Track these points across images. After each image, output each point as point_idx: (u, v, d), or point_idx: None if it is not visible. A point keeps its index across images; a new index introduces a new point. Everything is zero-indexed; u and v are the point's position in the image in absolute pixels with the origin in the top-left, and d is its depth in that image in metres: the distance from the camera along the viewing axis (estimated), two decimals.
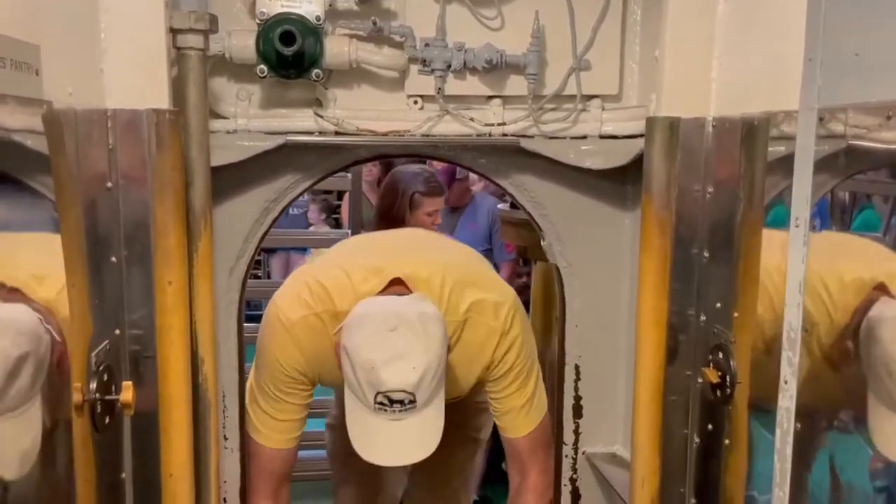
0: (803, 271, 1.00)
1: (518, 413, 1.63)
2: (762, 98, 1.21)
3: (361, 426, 1.39)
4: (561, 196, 1.60)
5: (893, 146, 1.50)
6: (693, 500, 1.35)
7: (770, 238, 1.26)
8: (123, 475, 1.21)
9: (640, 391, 1.40)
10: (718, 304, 1.28)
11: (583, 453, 1.69)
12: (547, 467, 1.69)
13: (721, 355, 1.25)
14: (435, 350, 1.38)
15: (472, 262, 1.76)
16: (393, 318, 1.39)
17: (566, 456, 1.72)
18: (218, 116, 1.44)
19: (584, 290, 1.65)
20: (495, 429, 1.81)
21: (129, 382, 1.13)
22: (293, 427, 1.63)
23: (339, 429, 2.09)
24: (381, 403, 1.35)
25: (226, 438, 1.58)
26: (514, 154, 1.55)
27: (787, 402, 1.03)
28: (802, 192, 1.01)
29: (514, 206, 2.23)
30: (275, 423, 1.60)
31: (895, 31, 0.88)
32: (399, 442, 1.39)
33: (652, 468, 1.38)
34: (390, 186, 2.77)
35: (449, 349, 1.46)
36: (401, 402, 1.35)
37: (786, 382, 1.03)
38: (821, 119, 1.00)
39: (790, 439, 1.03)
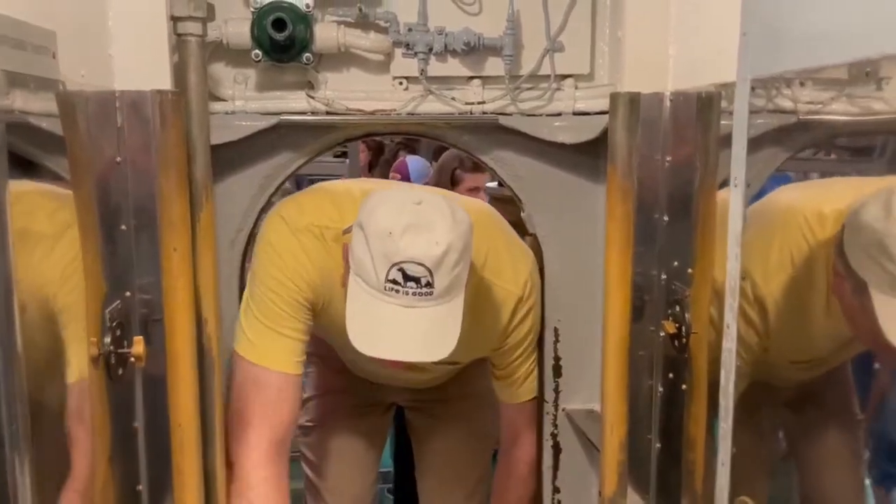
0: (740, 226, 1.12)
1: (520, 379, 1.63)
2: (714, 72, 1.32)
3: (364, 313, 1.23)
4: (538, 170, 1.71)
5: (844, 118, 1.62)
6: (658, 444, 1.47)
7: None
8: (136, 424, 1.33)
9: (608, 347, 1.51)
10: (676, 263, 1.39)
11: (563, 410, 1.79)
12: (534, 440, 1.70)
13: (678, 308, 1.37)
14: (461, 232, 1.25)
15: (495, 217, 1.70)
16: (418, 195, 1.29)
17: (547, 413, 1.83)
18: (217, 99, 1.56)
19: (561, 258, 1.76)
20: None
21: (140, 337, 1.25)
22: (299, 348, 1.43)
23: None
24: (393, 282, 1.20)
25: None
26: (493, 131, 1.66)
27: (729, 343, 1.14)
28: (739, 154, 1.12)
29: (501, 184, 2.33)
30: (281, 338, 1.40)
31: (812, 6, 0.98)
32: (407, 332, 1.22)
33: (620, 416, 1.49)
34: (436, 169, 2.90)
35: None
36: (416, 280, 1.20)
37: (728, 326, 1.15)
38: (753, 89, 1.10)
39: (732, 377, 1.14)
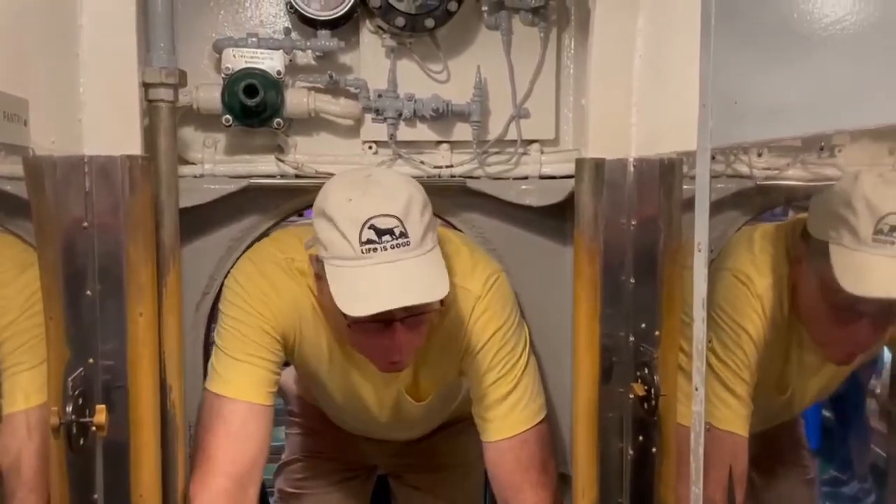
0: (705, 290, 1.14)
1: (500, 405, 1.41)
2: (675, 140, 1.36)
3: (350, 282, 1.20)
4: (506, 232, 1.73)
5: (800, 182, 1.68)
6: None
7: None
8: (96, 496, 1.29)
9: (578, 409, 1.52)
10: (644, 325, 1.41)
11: None
12: (541, 499, 1.43)
13: (647, 371, 1.38)
14: (417, 188, 1.27)
15: (456, 232, 1.66)
16: (366, 170, 1.33)
17: None
18: (186, 162, 1.56)
19: (529, 319, 1.77)
20: None
21: (103, 406, 1.22)
22: (268, 378, 1.37)
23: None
24: (368, 241, 1.18)
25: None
26: (462, 194, 1.69)
27: (698, 406, 1.15)
28: (702, 219, 1.15)
29: None
30: (247, 367, 1.35)
31: (761, 82, 1.03)
32: (397, 282, 1.18)
33: (590, 479, 1.49)
34: None
35: None
36: (390, 232, 1.19)
37: (696, 389, 1.16)
38: (714, 157, 1.15)
39: (702, 440, 1.15)
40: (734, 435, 1.47)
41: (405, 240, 1.21)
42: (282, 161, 1.59)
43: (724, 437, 1.46)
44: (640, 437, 1.43)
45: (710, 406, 1.43)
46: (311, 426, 2.01)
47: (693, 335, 1.18)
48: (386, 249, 1.20)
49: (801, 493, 2.12)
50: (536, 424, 1.47)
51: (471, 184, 1.64)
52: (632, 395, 1.44)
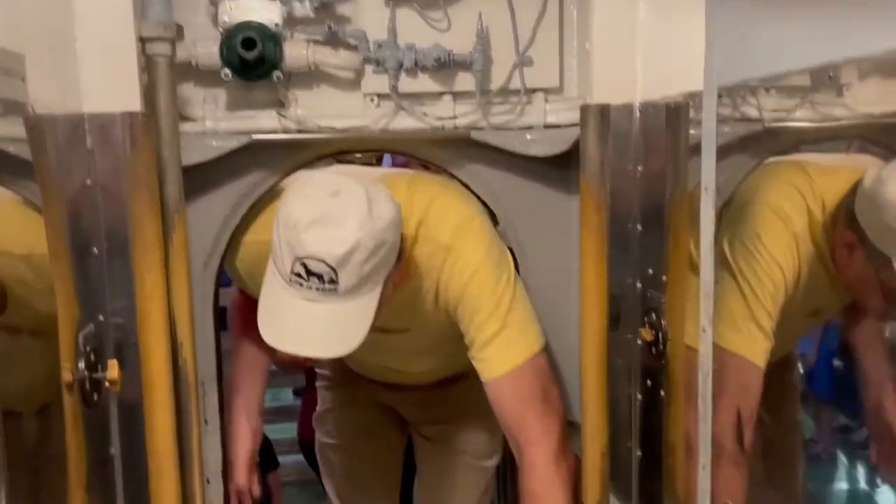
0: (711, 232, 1.13)
1: (492, 345, 1.39)
2: (681, 82, 1.34)
3: (274, 302, 1.23)
4: (512, 184, 1.72)
5: (808, 124, 1.66)
6: (638, 452, 1.48)
7: None
8: (112, 451, 1.31)
9: (586, 357, 1.52)
10: (651, 271, 1.41)
11: None
12: (546, 428, 1.42)
13: (654, 316, 1.39)
14: (375, 229, 1.21)
15: (441, 178, 1.64)
16: (338, 184, 1.26)
17: None
18: (187, 119, 1.55)
19: (537, 271, 1.76)
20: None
21: (115, 361, 1.23)
22: None
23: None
24: (297, 274, 1.19)
25: (206, 423, 1.67)
26: (466, 146, 1.67)
27: (706, 347, 1.16)
28: (708, 161, 1.13)
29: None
30: None
31: (774, 15, 1.01)
32: (308, 327, 1.21)
33: (600, 425, 1.50)
34: None
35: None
36: (319, 276, 1.18)
37: (704, 331, 1.16)
38: (720, 97, 1.13)
39: (710, 380, 1.16)
40: (750, 362, 1.44)
41: (332, 286, 1.19)
42: (283, 116, 1.58)
43: (739, 363, 1.43)
44: (649, 382, 1.43)
45: (732, 331, 1.41)
46: (337, 378, 2.08)
47: (700, 278, 1.17)
48: (310, 289, 1.19)
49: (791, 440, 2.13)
50: (532, 357, 1.45)
51: (475, 135, 1.62)
52: (640, 341, 1.44)
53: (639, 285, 1.45)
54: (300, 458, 3.33)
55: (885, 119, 1.58)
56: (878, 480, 3.48)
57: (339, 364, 2.01)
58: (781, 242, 1.46)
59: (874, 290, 1.33)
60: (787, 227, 1.47)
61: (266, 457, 3.15)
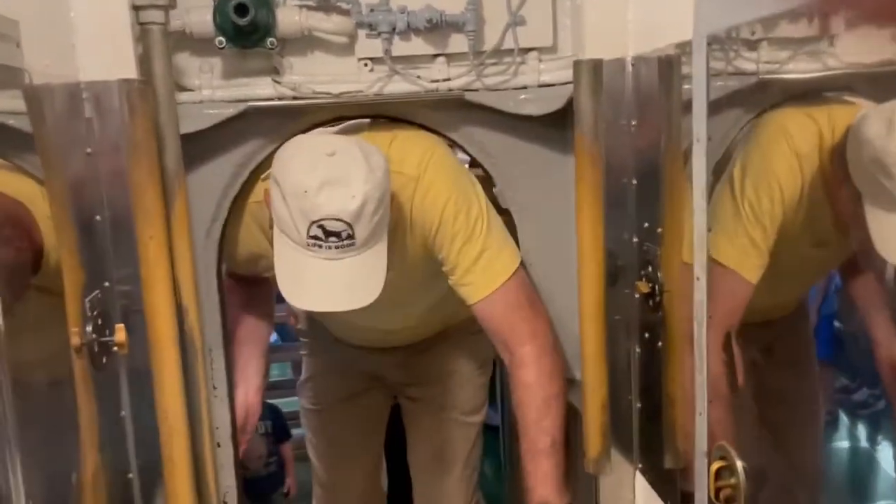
0: (704, 181, 1.15)
1: (474, 268, 1.45)
2: (673, 34, 1.34)
3: (292, 267, 1.27)
4: (507, 144, 1.73)
5: (803, 75, 1.66)
6: (638, 403, 1.51)
7: None
8: (123, 413, 1.34)
9: (585, 313, 1.54)
10: (646, 224, 1.43)
11: None
12: (535, 329, 1.49)
13: (650, 269, 1.40)
14: (377, 180, 1.27)
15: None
16: (331, 144, 1.30)
17: None
18: (184, 89, 1.56)
19: (535, 232, 1.78)
20: None
21: (121, 325, 1.26)
22: None
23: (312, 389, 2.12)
24: (314, 238, 1.23)
25: (214, 388, 1.71)
26: (460, 107, 1.68)
27: (700, 295, 1.18)
28: (700, 109, 1.14)
29: (473, 164, 2.34)
30: None
31: None
32: (333, 284, 1.26)
33: (600, 379, 1.53)
34: None
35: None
36: (337, 234, 1.24)
37: (698, 279, 1.18)
38: (709, 44, 1.13)
39: (704, 329, 1.18)
40: (741, 277, 1.44)
41: (350, 242, 1.24)
42: (278, 83, 1.59)
43: (731, 277, 1.43)
44: (646, 335, 1.46)
45: (726, 244, 1.42)
46: (320, 345, 2.09)
47: (694, 226, 1.19)
48: (331, 248, 1.24)
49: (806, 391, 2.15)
50: (514, 272, 1.51)
51: (469, 96, 1.63)
52: (637, 295, 1.46)
53: (635, 239, 1.47)
54: None
55: (873, 69, 1.58)
56: (879, 438, 3.53)
57: (321, 330, 2.03)
58: (783, 161, 1.45)
59: (856, 227, 1.34)
60: (790, 146, 1.45)
61: (279, 428, 3.22)
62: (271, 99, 1.59)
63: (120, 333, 1.24)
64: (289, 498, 3.27)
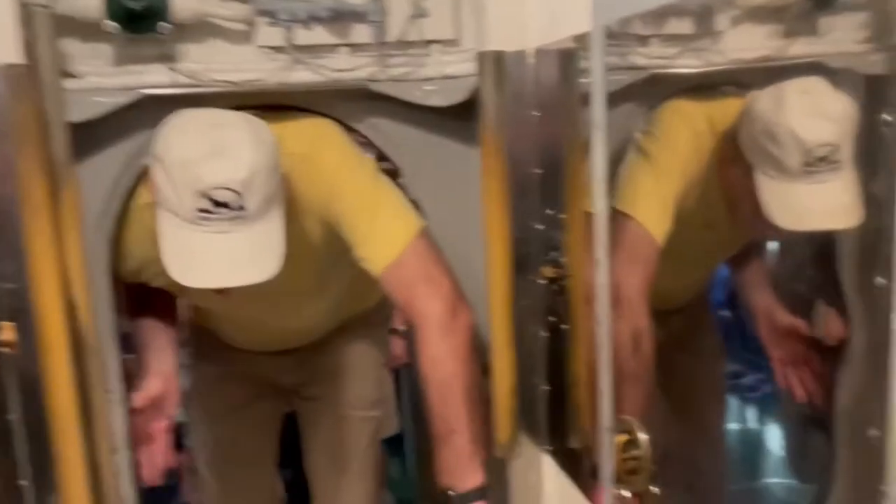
0: (602, 167, 1.19)
1: (372, 238, 1.43)
2: (572, 26, 1.39)
3: (180, 245, 1.21)
4: (413, 136, 1.73)
5: (692, 70, 1.75)
6: (545, 387, 1.55)
7: None
8: (12, 416, 1.26)
9: (493, 302, 1.57)
10: (550, 211, 1.47)
11: None
12: (434, 306, 1.45)
13: (555, 254, 1.44)
14: (266, 150, 1.24)
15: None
16: (214, 116, 1.28)
17: None
18: (73, 76, 1.48)
19: (442, 224, 1.77)
20: None
21: (9, 323, 1.18)
22: None
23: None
24: (203, 210, 1.18)
25: (108, 391, 1.62)
26: (365, 98, 1.67)
27: (602, 277, 1.22)
28: (598, 95, 1.19)
29: (380, 158, 2.32)
30: None
31: None
32: (227, 258, 1.20)
33: (509, 366, 1.55)
34: None
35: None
36: (226, 205, 1.19)
37: (599, 262, 1.22)
38: (607, 36, 1.17)
39: (607, 308, 1.22)
40: (650, 234, 1.48)
41: (242, 212, 1.20)
42: (174, 70, 1.53)
43: (639, 232, 1.48)
44: (552, 318, 1.50)
45: (636, 202, 1.48)
46: (207, 351, 1.99)
47: (594, 212, 1.23)
48: (220, 220, 1.19)
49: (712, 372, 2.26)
50: (410, 242, 1.48)
51: (373, 86, 1.62)
52: (542, 280, 1.50)
53: (540, 226, 1.51)
54: None
55: (757, 64, 1.68)
56: (766, 420, 3.77)
57: (207, 336, 1.94)
58: (683, 137, 1.54)
59: (746, 203, 1.43)
60: (688, 126, 1.54)
61: (175, 438, 3.11)
62: (167, 87, 1.53)
63: (7, 332, 1.16)
64: None
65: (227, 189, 1.20)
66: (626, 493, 1.12)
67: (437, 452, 1.52)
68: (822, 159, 1.33)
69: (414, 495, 2.87)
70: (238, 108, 1.70)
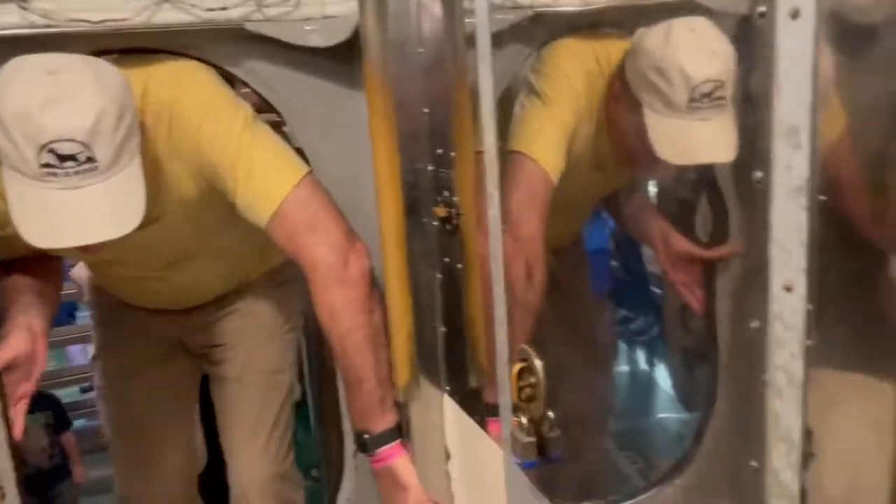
0: (491, 98, 1.17)
1: (251, 190, 1.37)
2: None
3: (30, 205, 1.11)
4: (295, 80, 1.66)
5: (573, 8, 1.75)
6: (442, 328, 1.54)
7: None
8: None
9: (386, 246, 1.54)
10: (440, 151, 1.44)
11: None
12: (321, 254, 1.41)
13: (446, 193, 1.43)
14: (112, 94, 1.15)
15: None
16: (51, 62, 1.17)
17: None
18: None
19: (330, 169, 1.73)
20: None
21: None
22: None
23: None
24: (47, 166, 1.09)
25: None
26: (242, 40, 1.58)
27: (493, 209, 1.21)
28: (483, 27, 1.16)
29: (261, 109, 2.22)
30: None
31: None
32: (81, 215, 1.11)
33: (405, 310, 1.54)
34: None
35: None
36: (73, 158, 1.10)
37: (490, 194, 1.21)
38: None
39: (499, 241, 1.22)
40: (543, 170, 1.51)
41: (91, 165, 1.11)
42: (26, 9, 1.39)
43: (532, 168, 1.51)
44: (446, 259, 1.48)
45: (530, 139, 1.51)
46: (110, 314, 1.93)
47: (484, 146, 1.22)
48: (68, 175, 1.10)
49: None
50: (291, 191, 1.43)
51: (249, 26, 1.54)
52: (435, 221, 1.48)
53: (430, 167, 1.48)
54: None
55: (636, 2, 1.71)
56: (655, 360, 3.96)
57: (108, 297, 1.87)
58: (574, 74, 1.57)
59: (633, 139, 1.47)
60: (580, 63, 1.57)
61: (59, 418, 3.00)
62: (18, 28, 1.40)
63: None
64: (80, 488, 3.03)
65: (71, 140, 1.10)
66: (524, 420, 1.14)
67: (348, 399, 1.52)
68: (707, 95, 1.38)
69: (317, 459, 2.85)
70: (100, 52, 1.58)
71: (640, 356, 4.22)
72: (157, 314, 1.88)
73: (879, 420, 0.63)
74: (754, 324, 0.71)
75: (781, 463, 0.72)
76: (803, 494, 0.70)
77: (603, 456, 2.30)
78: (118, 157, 1.15)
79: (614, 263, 4.10)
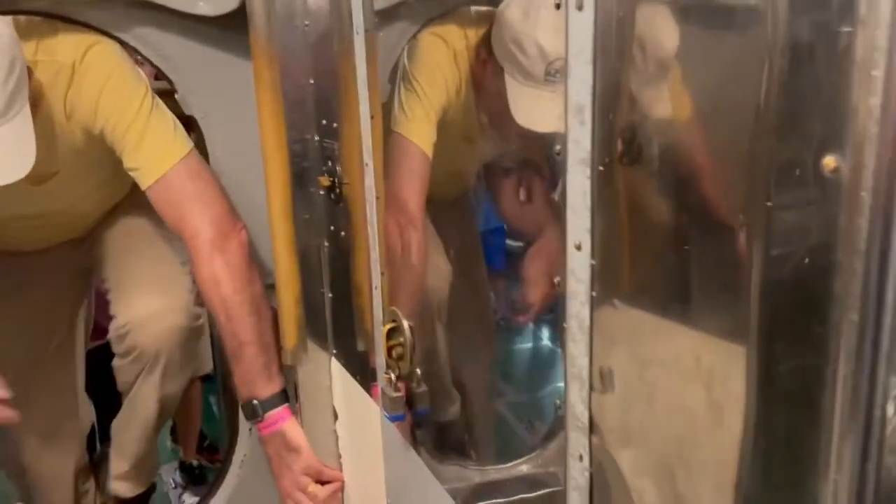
0: (365, 71, 1.23)
1: (139, 152, 1.44)
2: None
3: None
4: (185, 47, 1.66)
5: None
6: (329, 294, 1.60)
7: None
8: None
9: (273, 214, 1.58)
10: (324, 121, 1.49)
11: None
12: (204, 223, 1.46)
13: (330, 163, 1.48)
14: (2, 46, 1.20)
15: None
16: None
17: None
18: None
19: (222, 139, 1.75)
20: None
21: None
22: None
23: None
24: None
25: None
26: (130, 6, 1.58)
27: (369, 179, 1.27)
28: (358, 9, 1.21)
29: (158, 77, 2.19)
30: None
31: None
32: None
33: (292, 275, 1.59)
34: None
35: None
36: None
37: (366, 164, 1.27)
38: None
39: (375, 209, 1.28)
40: (418, 147, 1.61)
41: None
42: None
43: (408, 146, 1.61)
44: (332, 227, 1.54)
45: (405, 120, 1.61)
46: None
47: (360, 116, 1.28)
48: None
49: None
50: (181, 160, 1.50)
51: None
52: (321, 191, 1.53)
53: (316, 138, 1.53)
54: None
55: None
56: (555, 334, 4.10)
57: None
58: (443, 57, 1.66)
59: (495, 103, 1.55)
60: (448, 45, 1.65)
61: None
62: None
63: None
64: None
65: None
66: (393, 376, 1.21)
67: (234, 369, 1.55)
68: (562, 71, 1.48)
69: (220, 435, 2.86)
70: None
71: (543, 333, 4.35)
72: (41, 253, 1.83)
73: (645, 356, 0.73)
74: (556, 279, 0.81)
75: (575, 398, 0.82)
76: (591, 425, 0.81)
77: (491, 417, 2.41)
78: (9, 107, 1.20)
79: (510, 242, 4.22)
